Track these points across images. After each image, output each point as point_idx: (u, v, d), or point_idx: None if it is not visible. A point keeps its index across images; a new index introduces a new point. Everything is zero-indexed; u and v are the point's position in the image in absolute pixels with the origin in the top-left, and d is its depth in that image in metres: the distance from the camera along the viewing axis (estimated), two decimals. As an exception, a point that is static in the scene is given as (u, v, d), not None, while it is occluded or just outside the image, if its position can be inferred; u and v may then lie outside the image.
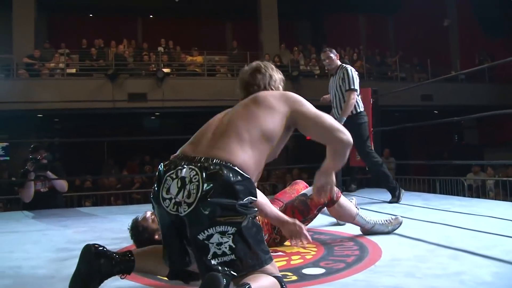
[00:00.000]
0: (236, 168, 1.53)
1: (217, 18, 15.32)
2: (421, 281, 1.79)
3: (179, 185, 1.50)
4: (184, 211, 1.48)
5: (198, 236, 1.47)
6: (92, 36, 12.67)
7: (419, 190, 6.89)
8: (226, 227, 1.47)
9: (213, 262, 1.46)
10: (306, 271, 2.02)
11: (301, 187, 2.91)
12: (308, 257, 2.28)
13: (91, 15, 15.04)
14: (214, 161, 1.52)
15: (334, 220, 3.04)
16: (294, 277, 1.93)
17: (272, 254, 1.62)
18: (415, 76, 13.86)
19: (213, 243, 1.46)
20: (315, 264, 2.14)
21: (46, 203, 4.50)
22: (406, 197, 4.57)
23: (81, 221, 3.59)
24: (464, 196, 6.80)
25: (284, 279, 1.86)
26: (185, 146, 1.68)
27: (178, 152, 1.68)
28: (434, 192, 7.38)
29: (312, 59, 13.23)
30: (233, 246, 1.47)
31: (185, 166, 1.53)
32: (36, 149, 4.58)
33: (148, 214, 2.32)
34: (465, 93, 13.04)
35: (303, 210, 2.53)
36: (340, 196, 2.60)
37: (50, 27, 13.89)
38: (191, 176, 1.50)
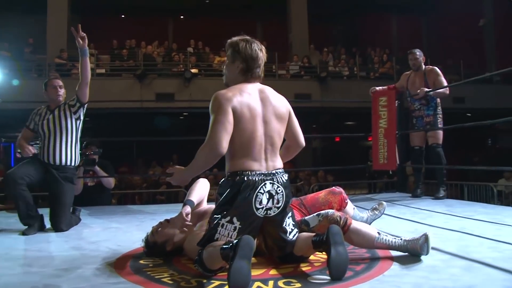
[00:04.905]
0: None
1: (247, 19, 15.32)
2: (428, 293, 1.72)
3: (267, 197, 2.11)
4: (274, 213, 2.13)
5: (284, 225, 2.16)
6: (123, 36, 12.90)
7: (447, 196, 6.67)
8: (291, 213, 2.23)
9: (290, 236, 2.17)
10: (312, 278, 1.98)
11: (335, 201, 2.66)
12: (316, 264, 2.23)
13: (123, 16, 15.31)
14: (280, 171, 2.19)
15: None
16: (298, 284, 1.89)
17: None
18: (447, 78, 13.45)
19: (289, 225, 2.19)
20: (322, 271, 2.08)
21: (93, 198, 4.71)
22: (429, 203, 4.48)
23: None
24: (494, 203, 6.53)
25: (288, 286, 1.84)
26: (251, 163, 2.11)
27: (245, 167, 2.10)
28: (462, 198, 7.14)
29: (341, 60, 13.05)
30: (293, 222, 2.23)
31: (266, 181, 2.10)
32: (87, 145, 4.82)
33: (159, 225, 2.46)
34: (500, 96, 12.61)
35: None
36: (351, 223, 2.26)
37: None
38: (276, 189, 2.13)
